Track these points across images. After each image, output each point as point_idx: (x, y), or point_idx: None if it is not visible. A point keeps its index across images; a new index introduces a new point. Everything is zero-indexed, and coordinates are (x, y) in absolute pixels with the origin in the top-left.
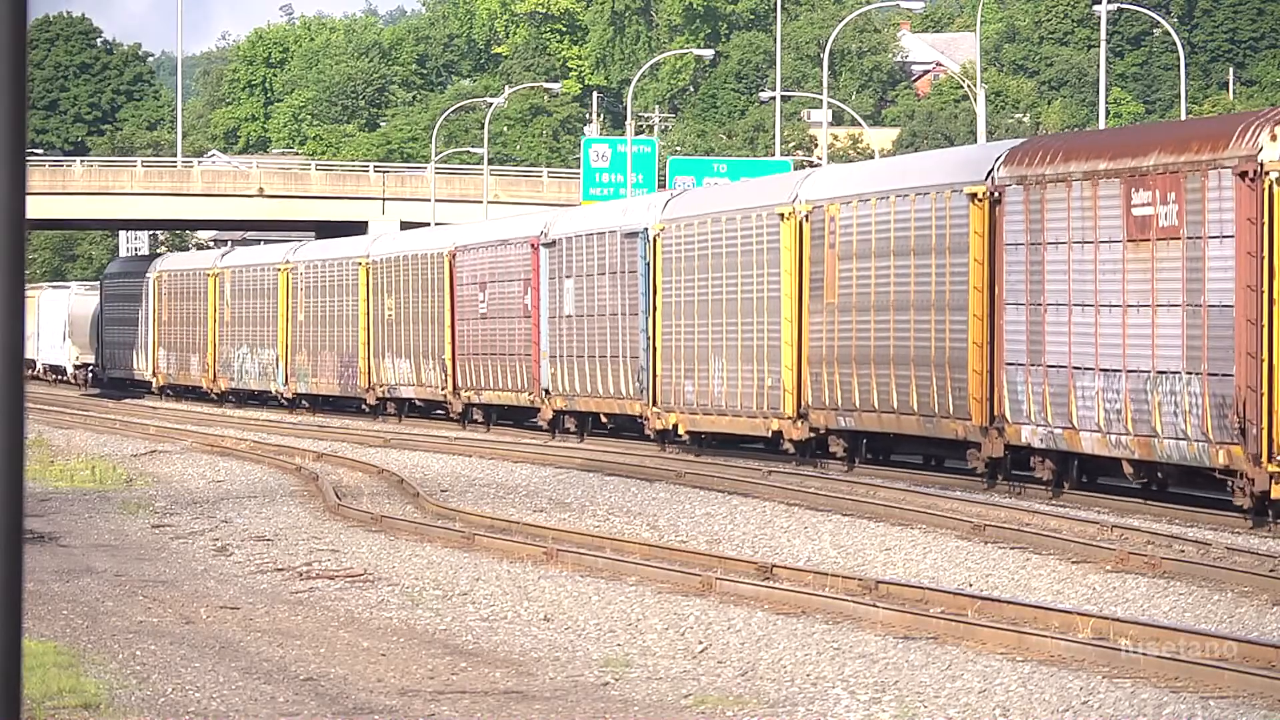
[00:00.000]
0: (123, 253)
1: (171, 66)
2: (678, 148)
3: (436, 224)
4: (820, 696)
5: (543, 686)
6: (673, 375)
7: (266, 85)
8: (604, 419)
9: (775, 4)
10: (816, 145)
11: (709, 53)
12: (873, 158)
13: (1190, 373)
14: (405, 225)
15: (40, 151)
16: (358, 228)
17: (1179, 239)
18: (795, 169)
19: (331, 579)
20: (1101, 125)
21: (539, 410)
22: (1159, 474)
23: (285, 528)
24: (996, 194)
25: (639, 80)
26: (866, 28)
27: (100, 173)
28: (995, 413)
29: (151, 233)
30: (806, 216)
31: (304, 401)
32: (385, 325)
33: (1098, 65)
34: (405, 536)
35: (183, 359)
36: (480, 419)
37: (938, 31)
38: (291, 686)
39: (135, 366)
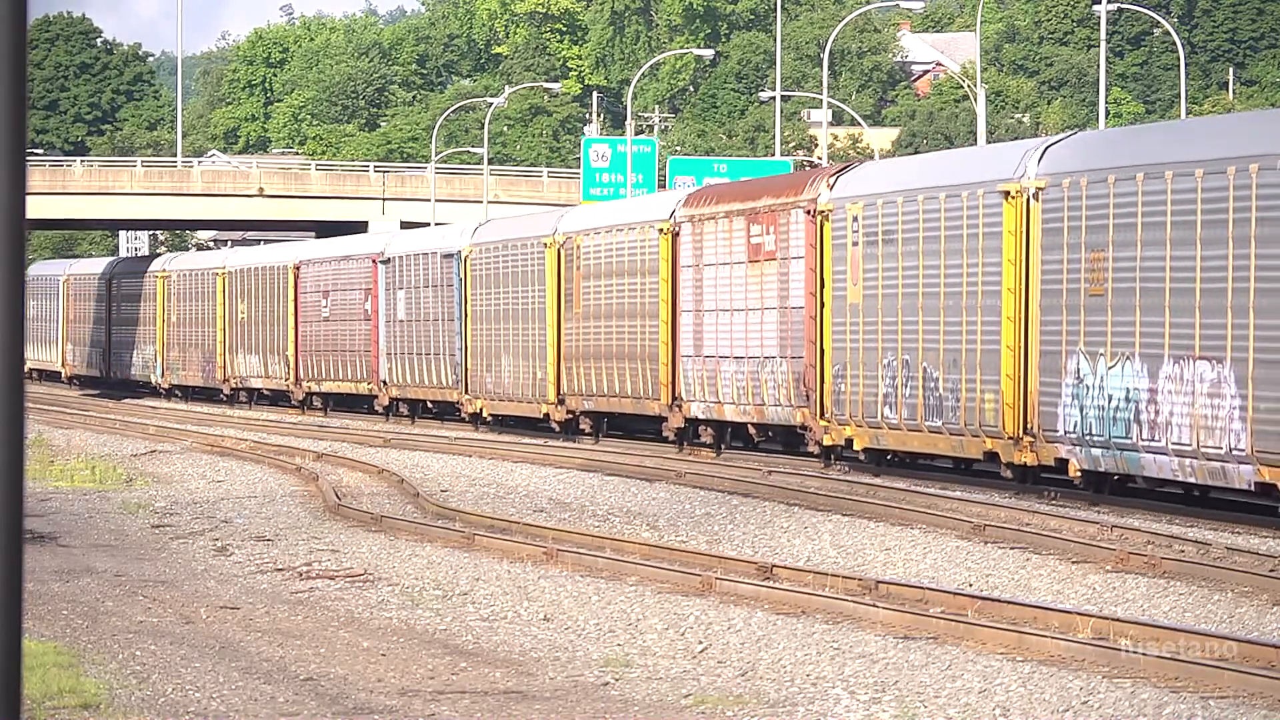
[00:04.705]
0: (123, 252)
1: (171, 66)
2: (678, 148)
3: (437, 224)
4: (820, 696)
5: (543, 686)
6: (479, 369)
7: (266, 85)
8: (430, 405)
9: (775, 4)
10: (816, 145)
11: (709, 53)
12: (872, 158)
13: (782, 356)
14: (405, 225)
15: (40, 151)
16: (358, 227)
17: (775, 259)
18: (795, 169)
19: (331, 579)
20: (1101, 125)
21: (376, 397)
22: (770, 433)
23: (285, 528)
24: (677, 229)
25: (639, 80)
26: (866, 28)
27: (100, 173)
28: (676, 394)
29: (151, 233)
30: (563, 245)
31: (177, 391)
32: (239, 326)
33: (1098, 65)
34: (405, 536)
35: (85, 353)
36: (320, 405)
37: (938, 31)
38: (291, 686)
39: (48, 359)
